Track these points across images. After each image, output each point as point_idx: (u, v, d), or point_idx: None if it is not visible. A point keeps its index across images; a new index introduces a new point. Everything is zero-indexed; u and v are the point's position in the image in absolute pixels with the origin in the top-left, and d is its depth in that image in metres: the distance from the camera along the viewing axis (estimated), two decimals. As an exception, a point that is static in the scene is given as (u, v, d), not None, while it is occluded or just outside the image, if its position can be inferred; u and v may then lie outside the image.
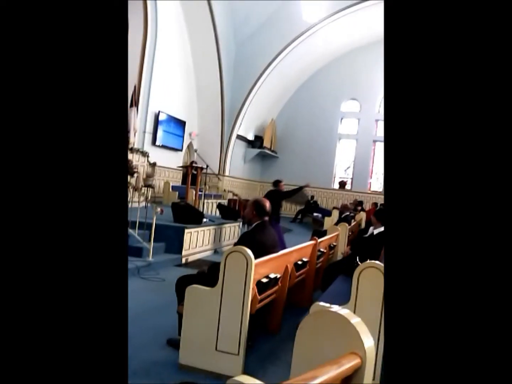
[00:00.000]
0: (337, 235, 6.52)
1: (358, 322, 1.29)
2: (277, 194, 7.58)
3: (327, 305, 2.68)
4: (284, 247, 6.05)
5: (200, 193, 9.23)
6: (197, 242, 7.09)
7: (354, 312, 1.76)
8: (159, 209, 6.12)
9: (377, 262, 2.83)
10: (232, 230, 8.51)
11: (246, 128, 15.48)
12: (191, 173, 8.99)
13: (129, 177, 7.90)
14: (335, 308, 1.39)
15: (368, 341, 1.26)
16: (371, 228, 5.78)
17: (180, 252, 6.64)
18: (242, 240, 3.34)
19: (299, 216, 15.21)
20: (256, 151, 16.16)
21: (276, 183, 7.98)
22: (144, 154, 10.27)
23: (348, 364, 1.17)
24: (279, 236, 7.33)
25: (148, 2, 10.70)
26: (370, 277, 2.77)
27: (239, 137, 15.11)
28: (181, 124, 12.76)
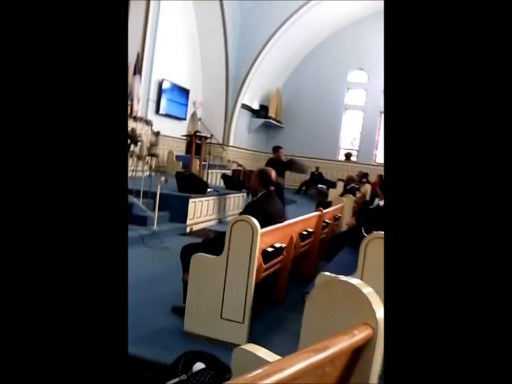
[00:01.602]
0: (342, 207, 6.49)
1: (370, 292, 1.26)
2: (278, 163, 7.35)
3: (333, 275, 2.67)
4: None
5: (204, 163, 9.17)
6: (201, 212, 7.08)
7: (362, 283, 1.73)
8: (163, 179, 6.08)
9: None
10: (237, 200, 8.49)
11: (251, 97, 15.25)
12: (195, 143, 8.90)
13: (132, 145, 7.82)
14: (345, 277, 1.35)
15: (380, 311, 1.22)
16: (376, 200, 5.75)
17: (185, 221, 6.64)
18: (248, 209, 3.31)
19: (304, 188, 15.16)
20: (261, 121, 15.98)
21: (275, 149, 7.71)
22: (148, 122, 10.16)
23: (360, 335, 1.14)
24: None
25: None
26: (377, 248, 2.75)
27: (244, 106, 14.90)
28: (185, 92, 12.58)
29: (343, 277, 1.37)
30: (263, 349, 1.36)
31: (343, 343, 1.06)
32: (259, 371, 0.86)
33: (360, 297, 1.25)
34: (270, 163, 7.20)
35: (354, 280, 1.31)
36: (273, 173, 3.61)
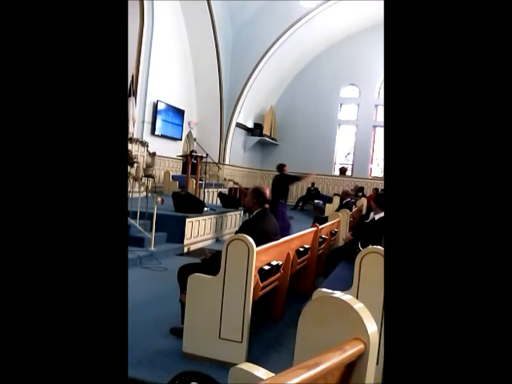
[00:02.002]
0: (338, 222, 6.51)
1: (361, 308, 1.28)
2: (284, 178, 8.12)
3: (330, 291, 2.69)
4: (288, 226, 6.58)
5: (200, 182, 9.21)
6: (198, 231, 7.09)
7: (357, 298, 1.75)
8: (159, 199, 6.11)
9: (379, 247, 2.82)
10: (234, 218, 8.51)
11: (245, 115, 15.38)
12: (191, 162, 8.95)
13: (129, 167, 7.87)
14: (338, 294, 1.38)
15: (371, 327, 1.25)
16: (372, 214, 5.77)
17: (182, 241, 6.64)
18: (243, 228, 3.33)
19: (300, 203, 15.21)
20: (255, 139, 16.08)
21: (281, 167, 8.36)
22: (144, 144, 10.22)
23: (352, 350, 1.16)
24: (285, 218, 7.70)
25: (144, -10, 10.58)
26: (372, 262, 2.77)
27: (239, 125, 15.02)
28: (180, 113, 12.69)
29: (336, 293, 1.40)
30: (260, 368, 1.37)
31: (334, 359, 1.09)
32: (252, 389, 0.88)
33: (352, 313, 1.27)
34: (278, 179, 7.83)
35: (345, 297, 1.33)
36: (267, 191, 3.63)
